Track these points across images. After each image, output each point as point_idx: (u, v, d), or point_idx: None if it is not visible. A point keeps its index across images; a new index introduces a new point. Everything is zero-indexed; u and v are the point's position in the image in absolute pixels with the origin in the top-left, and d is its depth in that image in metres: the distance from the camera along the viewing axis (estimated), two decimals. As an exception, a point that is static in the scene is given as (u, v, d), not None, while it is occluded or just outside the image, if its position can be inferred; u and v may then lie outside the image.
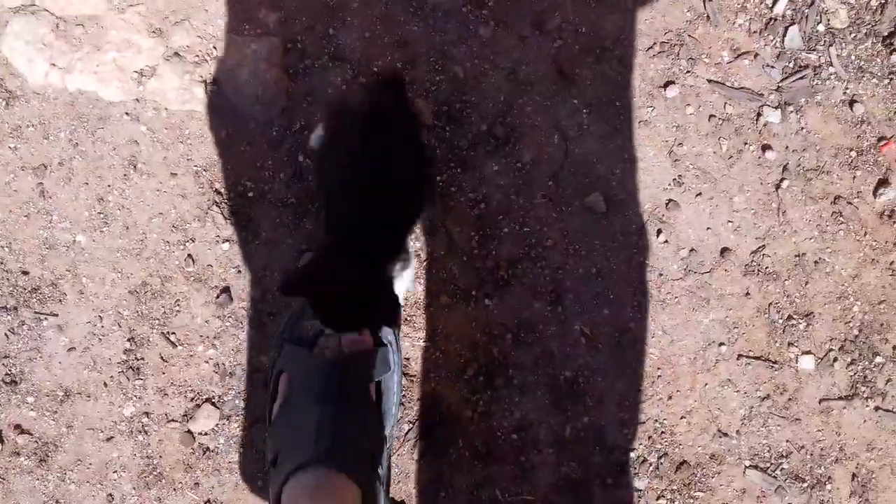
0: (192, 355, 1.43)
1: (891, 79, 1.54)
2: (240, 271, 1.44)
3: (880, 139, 1.51)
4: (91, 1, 1.53)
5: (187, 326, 1.43)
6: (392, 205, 1.16)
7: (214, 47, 1.49)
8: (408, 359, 1.43)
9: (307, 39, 1.51)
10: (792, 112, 1.52)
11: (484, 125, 1.50)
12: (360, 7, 1.51)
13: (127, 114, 1.47)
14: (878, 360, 1.44)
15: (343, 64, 1.50)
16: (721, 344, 1.44)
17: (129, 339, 1.42)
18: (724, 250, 1.47)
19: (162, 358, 1.42)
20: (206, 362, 1.42)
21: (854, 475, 1.43)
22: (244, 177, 1.46)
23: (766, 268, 1.47)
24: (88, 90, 1.48)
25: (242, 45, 1.51)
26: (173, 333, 1.42)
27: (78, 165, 1.45)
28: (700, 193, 1.49)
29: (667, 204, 1.48)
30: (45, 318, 1.42)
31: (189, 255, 1.44)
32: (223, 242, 1.44)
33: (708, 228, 1.48)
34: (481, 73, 1.50)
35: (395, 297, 1.20)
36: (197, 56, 1.49)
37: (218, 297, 1.43)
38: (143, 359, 1.42)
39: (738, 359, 1.43)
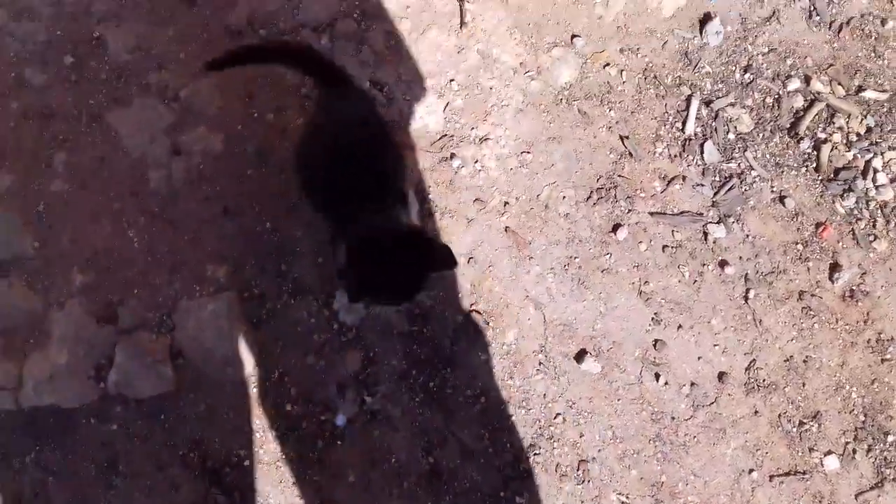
0: None
1: (806, 166, 1.65)
2: (259, 551, 1.34)
3: (818, 225, 1.61)
4: (21, 305, 1.45)
5: None
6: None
7: (170, 318, 1.43)
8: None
9: (262, 283, 1.47)
10: (733, 222, 1.60)
11: (460, 316, 1.49)
12: (303, 236, 1.50)
13: (94, 417, 1.37)
14: (891, 438, 1.49)
15: (306, 296, 1.47)
16: (751, 471, 1.45)
17: None
18: (720, 375, 1.50)
19: None
20: None
21: (910, 560, 1.45)
22: (235, 446, 1.38)
23: (764, 380, 1.51)
24: (45, 404, 1.38)
25: (198, 308, 1.46)
26: None
27: (54, 489, 1.34)
28: (680, 326, 1.53)
29: (654, 345, 1.51)
30: None
31: (200, 551, 1.33)
32: (233, 525, 1.35)
33: (699, 358, 1.51)
34: (443, 270, 1.50)
35: (434, 243, 1.23)
36: (154, 332, 1.43)
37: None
38: None
39: (770, 480, 1.45)
